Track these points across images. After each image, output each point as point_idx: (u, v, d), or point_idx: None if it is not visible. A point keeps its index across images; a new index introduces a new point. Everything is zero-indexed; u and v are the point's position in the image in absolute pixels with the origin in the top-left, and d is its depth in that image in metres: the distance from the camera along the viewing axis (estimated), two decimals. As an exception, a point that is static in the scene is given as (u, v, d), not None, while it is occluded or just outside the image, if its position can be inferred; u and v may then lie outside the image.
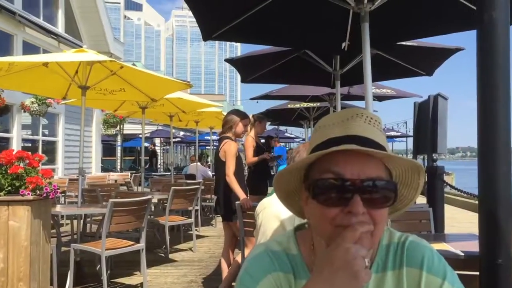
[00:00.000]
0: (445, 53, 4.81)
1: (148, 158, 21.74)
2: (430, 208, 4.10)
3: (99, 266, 4.82)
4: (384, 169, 1.01)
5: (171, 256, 6.56)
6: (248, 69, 5.67)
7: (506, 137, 1.97)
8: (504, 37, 1.98)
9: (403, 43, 4.54)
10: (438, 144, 5.93)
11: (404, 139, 26.43)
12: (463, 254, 2.05)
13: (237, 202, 4.40)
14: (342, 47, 4.16)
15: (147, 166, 21.14)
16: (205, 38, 3.69)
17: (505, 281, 1.96)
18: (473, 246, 2.08)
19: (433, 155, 5.57)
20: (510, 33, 2.00)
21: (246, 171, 6.49)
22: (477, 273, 2.01)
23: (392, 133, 24.01)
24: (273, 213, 2.27)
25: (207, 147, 30.37)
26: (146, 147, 15.57)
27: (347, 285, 0.87)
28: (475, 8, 1.99)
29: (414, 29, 3.96)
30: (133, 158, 23.99)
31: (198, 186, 7.64)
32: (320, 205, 0.97)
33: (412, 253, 1.07)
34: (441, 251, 2.17)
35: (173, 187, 6.95)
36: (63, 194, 9.43)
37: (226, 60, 5.27)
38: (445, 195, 14.40)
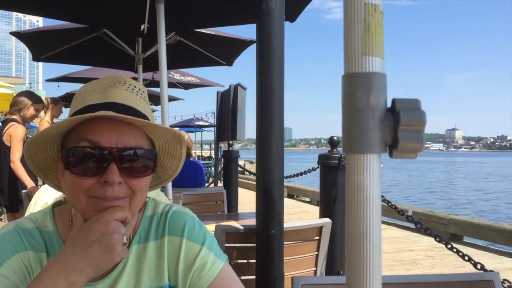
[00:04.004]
0: (242, 44, 5.05)
1: None
2: (225, 189, 4.31)
3: None
4: (146, 138, 1.00)
5: None
6: (41, 46, 5.12)
7: (279, 123, 2.18)
8: (279, 25, 2.16)
9: (202, 30, 4.63)
10: (237, 131, 6.30)
11: (213, 128, 27.29)
12: (242, 228, 2.19)
13: (23, 191, 4.00)
14: (142, 29, 4.06)
15: None
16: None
17: (277, 249, 2.16)
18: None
19: (230, 141, 5.89)
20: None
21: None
22: (254, 244, 2.18)
23: (201, 123, 24.68)
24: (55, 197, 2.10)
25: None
26: None
27: (101, 258, 0.85)
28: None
29: (209, 18, 4.06)
30: None
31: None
32: (74, 176, 0.92)
33: (175, 222, 1.09)
34: (226, 226, 2.29)
35: None
36: None
37: (12, 33, 4.65)
38: (247, 181, 15.47)
